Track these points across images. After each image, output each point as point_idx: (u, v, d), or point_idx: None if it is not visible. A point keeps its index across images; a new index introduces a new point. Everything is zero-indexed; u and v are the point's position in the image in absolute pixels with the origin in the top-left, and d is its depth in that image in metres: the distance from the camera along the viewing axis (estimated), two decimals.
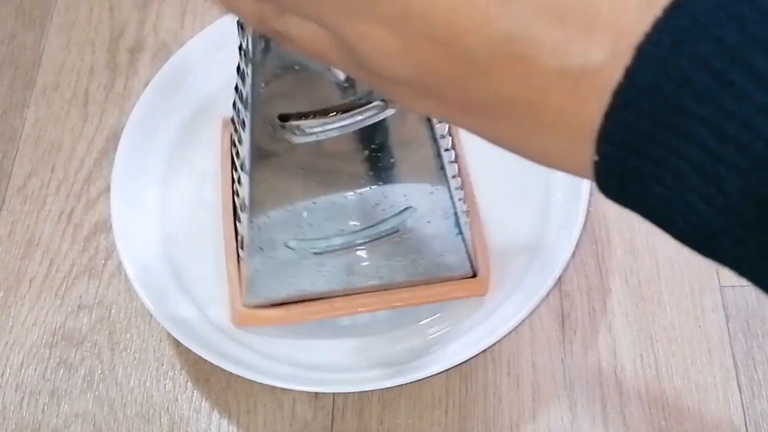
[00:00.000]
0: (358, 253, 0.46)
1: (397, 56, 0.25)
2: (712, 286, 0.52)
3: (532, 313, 0.48)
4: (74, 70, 0.62)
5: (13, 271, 0.55)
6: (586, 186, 0.51)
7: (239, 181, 0.45)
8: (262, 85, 0.37)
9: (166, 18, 0.64)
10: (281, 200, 0.43)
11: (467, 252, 0.48)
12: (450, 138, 0.43)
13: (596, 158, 0.24)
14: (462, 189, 0.46)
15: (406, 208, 0.45)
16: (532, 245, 0.51)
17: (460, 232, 0.46)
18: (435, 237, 0.46)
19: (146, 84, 0.56)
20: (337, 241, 0.45)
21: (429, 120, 0.41)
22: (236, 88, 0.41)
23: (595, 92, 0.22)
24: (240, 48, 0.38)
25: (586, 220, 0.50)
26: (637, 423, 0.48)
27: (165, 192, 0.54)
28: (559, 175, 0.52)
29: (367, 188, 0.43)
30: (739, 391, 0.49)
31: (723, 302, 0.51)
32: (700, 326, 0.51)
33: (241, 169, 0.42)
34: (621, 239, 0.53)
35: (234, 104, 0.41)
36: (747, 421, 0.48)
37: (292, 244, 0.45)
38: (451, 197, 0.45)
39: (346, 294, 0.49)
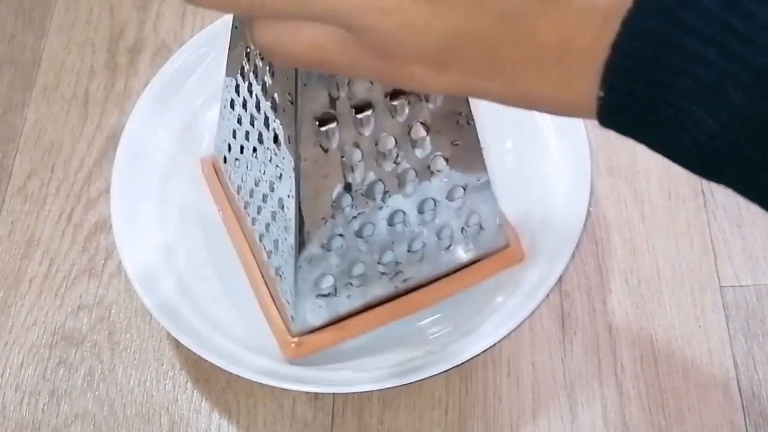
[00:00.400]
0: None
1: (425, 25, 0.25)
2: (712, 286, 0.52)
3: (532, 313, 0.48)
4: (74, 70, 0.62)
5: (13, 271, 0.55)
6: (586, 186, 0.51)
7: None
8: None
9: (166, 18, 0.64)
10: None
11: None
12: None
13: (601, 94, 0.24)
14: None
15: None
16: (532, 245, 0.51)
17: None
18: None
19: (146, 84, 0.56)
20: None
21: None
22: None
23: (617, 28, 0.23)
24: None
25: (586, 220, 0.50)
26: (637, 423, 0.48)
27: (165, 192, 0.54)
28: (562, 175, 0.53)
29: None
30: (739, 391, 0.49)
31: (723, 302, 0.51)
32: (700, 326, 0.51)
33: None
34: (621, 239, 0.53)
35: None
36: (747, 421, 0.48)
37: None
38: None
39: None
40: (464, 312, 0.50)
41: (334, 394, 0.49)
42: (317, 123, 0.39)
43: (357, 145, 0.41)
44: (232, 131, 0.48)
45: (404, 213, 0.45)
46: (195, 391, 0.50)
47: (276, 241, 0.46)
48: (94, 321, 0.53)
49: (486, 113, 0.56)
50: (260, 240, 0.48)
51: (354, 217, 0.43)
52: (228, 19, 0.56)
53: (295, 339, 0.47)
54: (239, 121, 0.46)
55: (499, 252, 0.50)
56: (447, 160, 0.44)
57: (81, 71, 0.62)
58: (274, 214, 0.45)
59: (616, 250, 0.53)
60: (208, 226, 0.52)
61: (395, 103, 0.40)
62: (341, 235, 0.44)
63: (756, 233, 0.53)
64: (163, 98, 0.55)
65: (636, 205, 0.54)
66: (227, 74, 0.46)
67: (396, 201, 0.44)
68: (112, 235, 0.51)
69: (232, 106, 0.46)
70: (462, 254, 0.48)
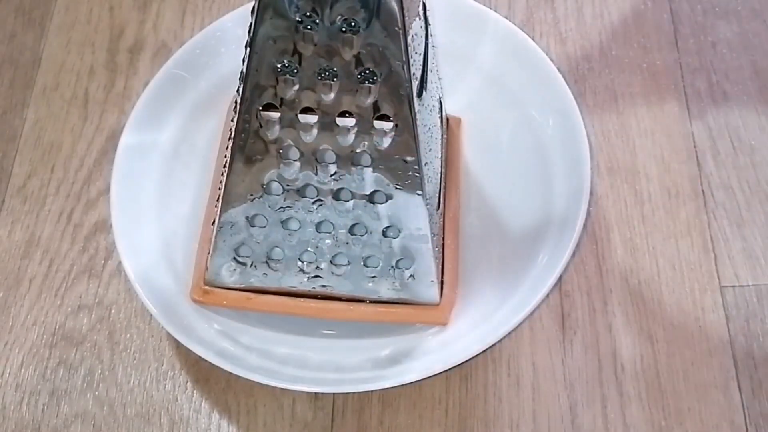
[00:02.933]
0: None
1: None
2: (712, 286, 0.52)
3: (532, 313, 0.48)
4: (74, 70, 0.62)
5: (13, 271, 0.55)
6: (586, 186, 0.51)
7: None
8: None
9: (166, 18, 0.64)
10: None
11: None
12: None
13: None
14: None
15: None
16: (532, 245, 0.51)
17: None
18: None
19: (146, 84, 0.56)
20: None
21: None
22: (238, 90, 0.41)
23: None
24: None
25: (586, 220, 0.50)
26: (637, 423, 0.48)
27: (164, 192, 0.53)
28: (559, 174, 0.52)
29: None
30: (740, 391, 0.49)
31: (723, 302, 0.51)
32: (700, 326, 0.51)
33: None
34: (621, 239, 0.53)
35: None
36: (747, 421, 0.48)
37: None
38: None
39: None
40: (464, 312, 0.50)
41: (334, 394, 0.49)
42: (260, 108, 0.40)
43: (296, 146, 0.42)
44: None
45: (333, 225, 0.45)
46: (195, 391, 0.50)
47: (218, 197, 0.47)
48: (94, 321, 0.53)
49: (486, 112, 0.56)
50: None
51: (282, 208, 0.45)
52: (227, 20, 0.56)
53: (206, 287, 0.49)
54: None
55: (425, 306, 0.49)
56: (387, 199, 0.44)
57: (81, 71, 0.62)
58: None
59: (616, 250, 0.53)
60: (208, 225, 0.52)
61: (340, 122, 0.41)
62: (266, 217, 0.45)
63: (756, 233, 0.53)
64: (162, 98, 0.55)
65: (636, 205, 0.55)
66: None
67: (327, 212, 0.45)
68: (113, 235, 0.51)
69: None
70: (385, 290, 0.48)
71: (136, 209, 0.52)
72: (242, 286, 0.49)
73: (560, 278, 0.50)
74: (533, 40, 0.56)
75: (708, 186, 0.55)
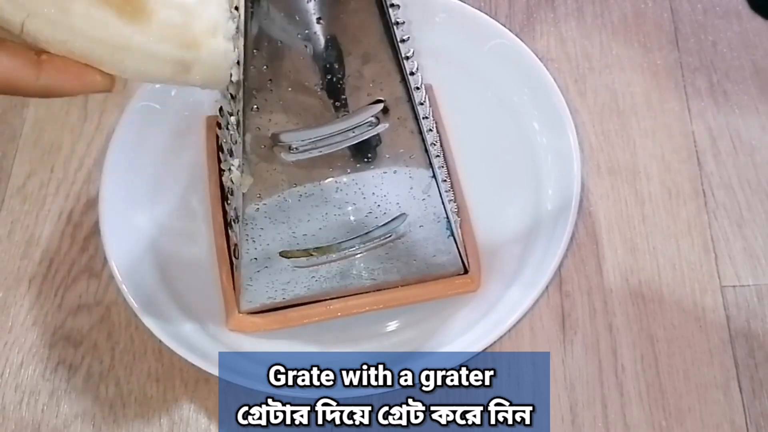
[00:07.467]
0: (352, 259, 0.46)
1: None
2: (712, 286, 0.52)
3: (531, 312, 0.48)
4: None
5: (12, 271, 0.55)
6: (577, 184, 0.50)
7: (231, 193, 0.45)
8: (255, 107, 0.37)
9: None
10: (275, 213, 0.43)
11: (458, 251, 0.48)
12: (439, 144, 0.43)
13: None
14: (452, 191, 0.46)
15: (398, 215, 0.45)
16: (526, 243, 0.51)
17: (452, 234, 0.47)
18: (427, 240, 0.47)
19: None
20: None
21: (420, 132, 0.41)
22: (221, 111, 0.41)
23: None
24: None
25: (586, 219, 0.50)
26: (637, 423, 0.48)
27: (157, 193, 0.53)
28: (550, 171, 0.52)
29: (361, 198, 0.43)
30: (740, 391, 0.49)
31: (723, 302, 0.51)
32: (700, 326, 0.51)
33: (233, 183, 0.42)
34: (621, 239, 0.53)
35: (220, 112, 0.41)
36: (748, 421, 0.48)
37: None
38: (442, 201, 0.45)
39: (341, 296, 0.49)
40: (463, 311, 0.50)
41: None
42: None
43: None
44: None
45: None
46: (195, 391, 0.50)
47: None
48: (93, 321, 0.53)
49: (480, 117, 0.56)
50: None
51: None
52: None
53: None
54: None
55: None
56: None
57: None
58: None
59: (616, 250, 0.53)
60: (201, 231, 0.52)
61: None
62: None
63: (757, 233, 0.53)
64: (158, 98, 0.55)
65: (636, 205, 0.54)
66: None
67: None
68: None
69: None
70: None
71: (125, 212, 0.52)
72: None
73: (560, 278, 0.50)
74: (533, 40, 0.56)
75: (708, 185, 0.55)
